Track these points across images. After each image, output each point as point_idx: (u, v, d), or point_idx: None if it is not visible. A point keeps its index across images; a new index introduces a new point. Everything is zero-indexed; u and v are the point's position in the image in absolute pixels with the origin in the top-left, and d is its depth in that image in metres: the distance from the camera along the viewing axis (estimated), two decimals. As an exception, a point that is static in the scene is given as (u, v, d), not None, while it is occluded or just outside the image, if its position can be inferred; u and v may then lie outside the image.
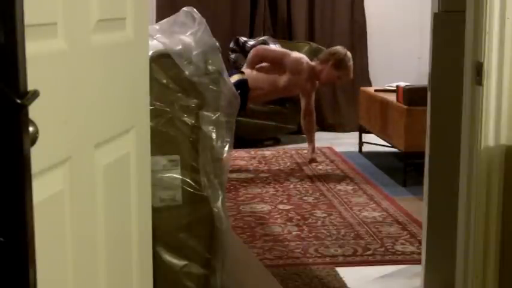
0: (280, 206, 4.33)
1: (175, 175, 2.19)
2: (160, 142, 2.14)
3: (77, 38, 1.33)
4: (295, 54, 5.29)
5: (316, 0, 6.94)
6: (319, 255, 3.47)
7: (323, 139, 6.34)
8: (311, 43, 6.48)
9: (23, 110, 0.90)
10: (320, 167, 5.36)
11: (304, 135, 5.64)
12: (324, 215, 4.14)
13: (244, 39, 6.35)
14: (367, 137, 5.80)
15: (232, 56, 6.33)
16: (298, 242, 3.65)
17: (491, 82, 2.02)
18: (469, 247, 2.14)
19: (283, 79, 5.20)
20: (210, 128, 2.23)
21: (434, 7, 2.79)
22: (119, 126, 1.59)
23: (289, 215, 4.14)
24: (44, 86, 0.99)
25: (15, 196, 0.90)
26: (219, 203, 2.25)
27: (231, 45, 6.36)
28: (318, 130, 6.51)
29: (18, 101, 0.88)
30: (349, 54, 5.21)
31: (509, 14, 1.98)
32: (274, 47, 6.05)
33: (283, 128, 6.25)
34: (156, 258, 2.05)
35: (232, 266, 2.49)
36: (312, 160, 5.40)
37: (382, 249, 3.57)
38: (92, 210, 1.43)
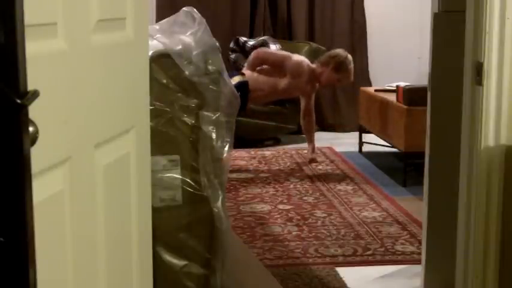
0: (280, 206, 4.33)
1: (175, 175, 2.19)
2: (160, 142, 2.14)
3: (77, 38, 1.33)
4: (295, 57, 5.29)
5: (316, 0, 6.94)
6: (319, 255, 3.47)
7: (323, 139, 6.34)
8: (311, 43, 6.48)
9: (23, 110, 0.90)
10: (320, 167, 5.36)
11: (304, 135, 5.64)
12: (324, 215, 4.14)
13: (244, 39, 6.35)
14: (367, 137, 5.80)
15: (232, 56, 6.33)
16: (298, 242, 3.65)
17: (491, 82, 2.02)
18: (469, 247, 2.14)
19: (283, 82, 5.21)
20: (210, 128, 2.23)
21: (434, 7, 2.79)
22: (119, 126, 1.59)
23: (289, 215, 4.14)
24: (44, 86, 0.99)
25: (15, 196, 0.90)
26: (219, 203, 2.25)
27: (231, 45, 6.36)
28: (318, 130, 6.52)
29: (18, 101, 0.88)
30: (349, 57, 5.22)
31: (509, 14, 1.98)
32: (275, 48, 6.05)
33: (283, 128, 6.25)
34: (156, 258, 2.05)
35: (232, 266, 2.49)
36: (312, 160, 5.40)
37: (382, 249, 3.57)
38: (92, 210, 1.43)
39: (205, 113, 2.22)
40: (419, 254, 3.22)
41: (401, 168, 4.90)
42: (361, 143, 5.90)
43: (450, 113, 2.56)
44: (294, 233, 3.81)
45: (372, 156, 5.72)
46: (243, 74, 5.20)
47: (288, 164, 5.47)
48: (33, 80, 0.96)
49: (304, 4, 6.90)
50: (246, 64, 5.44)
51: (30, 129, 0.94)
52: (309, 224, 3.96)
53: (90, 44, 1.39)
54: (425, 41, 3.32)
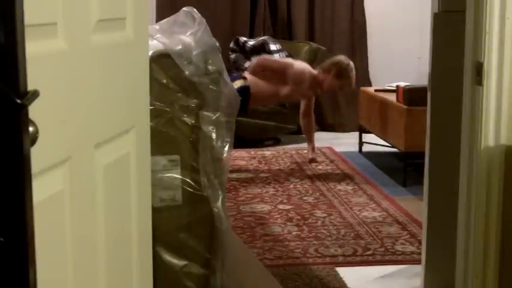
0: (280, 206, 4.33)
1: (175, 175, 2.19)
2: (160, 142, 2.14)
3: (77, 38, 1.33)
4: (297, 65, 5.30)
5: (316, 0, 6.94)
6: (319, 255, 3.47)
7: (323, 139, 6.34)
8: (311, 43, 6.48)
9: (23, 110, 0.90)
10: (320, 167, 5.36)
11: (304, 135, 5.64)
12: (324, 215, 4.14)
13: (244, 39, 6.35)
14: (367, 137, 5.80)
15: (232, 56, 6.33)
16: (298, 242, 3.65)
17: (491, 82, 2.02)
18: (469, 247, 2.14)
19: (285, 89, 5.24)
20: (210, 128, 2.23)
21: (434, 7, 2.79)
22: (119, 126, 1.59)
23: (289, 215, 4.14)
24: (44, 86, 0.99)
25: (15, 196, 0.90)
26: (219, 203, 2.25)
27: (231, 45, 6.36)
28: (318, 130, 6.52)
29: (18, 101, 0.88)
30: (351, 63, 5.23)
31: (509, 14, 1.98)
32: (275, 48, 6.07)
33: (283, 128, 6.25)
34: (156, 258, 2.05)
35: (232, 266, 2.49)
36: (312, 160, 5.40)
37: (382, 249, 3.57)
38: (92, 210, 1.43)
39: (205, 113, 2.22)
40: (419, 254, 3.22)
41: (401, 168, 4.90)
42: (361, 143, 5.90)
43: (450, 113, 2.56)
44: (294, 233, 3.81)
45: (372, 156, 5.72)
46: (244, 78, 5.21)
47: (288, 164, 5.47)
48: (33, 80, 0.96)
49: (304, 4, 6.90)
50: (248, 68, 5.44)
51: (30, 129, 0.94)
52: (309, 224, 3.96)
53: (90, 44, 1.39)
54: (425, 41, 3.32)
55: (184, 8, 2.34)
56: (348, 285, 3.12)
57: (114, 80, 1.54)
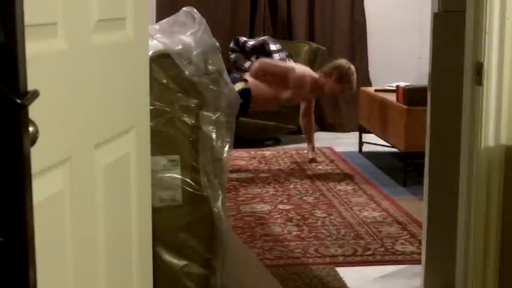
0: (280, 206, 4.33)
1: (175, 175, 2.19)
2: (160, 142, 2.14)
3: (77, 38, 1.33)
4: (298, 69, 5.31)
5: (316, 0, 6.94)
6: (319, 255, 3.47)
7: (323, 139, 6.34)
8: (311, 43, 6.48)
9: (23, 110, 0.90)
10: (320, 167, 5.36)
11: (304, 135, 5.64)
12: (324, 215, 4.14)
13: (244, 39, 6.35)
14: (367, 137, 5.80)
15: (232, 56, 6.33)
16: (298, 242, 3.65)
17: (491, 82, 2.02)
18: (469, 247, 2.14)
19: (286, 93, 5.25)
20: (210, 128, 2.23)
21: (434, 7, 2.79)
22: (119, 126, 1.59)
23: (289, 215, 4.14)
24: (44, 86, 0.99)
25: (15, 196, 0.90)
26: (219, 203, 2.25)
27: (231, 45, 6.36)
28: (318, 130, 6.52)
29: (18, 101, 0.88)
30: (352, 67, 5.24)
31: (509, 14, 1.98)
32: (275, 48, 6.07)
33: (283, 128, 6.25)
34: (156, 258, 2.05)
35: (232, 266, 2.49)
36: (312, 160, 5.40)
37: (382, 249, 3.57)
38: (92, 210, 1.43)
39: (205, 113, 2.22)
40: (419, 254, 3.22)
41: (401, 168, 4.90)
42: (361, 143, 5.90)
43: (450, 113, 2.56)
44: (294, 233, 3.81)
45: (372, 156, 5.72)
46: (246, 81, 5.22)
47: (288, 164, 5.47)
48: (33, 80, 0.96)
49: (304, 4, 6.90)
50: (249, 71, 5.44)
51: (30, 129, 0.94)
52: (309, 224, 3.96)
53: (90, 44, 1.39)
54: (425, 41, 3.32)
55: (184, 8, 2.34)
56: (348, 285, 3.12)
57: (114, 80, 1.54)
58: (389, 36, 7.03)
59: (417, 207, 3.83)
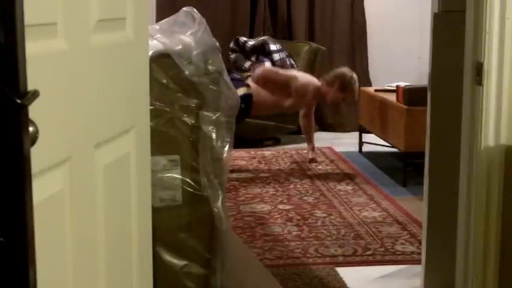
0: (280, 206, 4.33)
1: (175, 175, 2.19)
2: (160, 142, 2.14)
3: (77, 38, 1.33)
4: (301, 79, 5.30)
5: (316, 0, 6.94)
6: (319, 255, 3.47)
7: (323, 139, 6.34)
8: (311, 43, 6.48)
9: (23, 110, 0.90)
10: (320, 167, 5.36)
11: (304, 135, 5.64)
12: (324, 215, 4.14)
13: (244, 39, 6.35)
14: (367, 137, 5.80)
15: (232, 56, 6.33)
16: (298, 242, 3.65)
17: (491, 82, 2.02)
18: (469, 247, 2.14)
19: (288, 101, 5.26)
20: (210, 128, 2.23)
21: (434, 7, 2.79)
22: (119, 126, 1.59)
23: (289, 215, 4.14)
24: (44, 86, 0.99)
25: (15, 196, 0.90)
26: (219, 203, 2.25)
27: (231, 45, 6.36)
28: (318, 130, 6.52)
29: (18, 101, 0.88)
30: (355, 76, 5.25)
31: (509, 14, 1.98)
32: (275, 48, 6.08)
33: (283, 128, 6.25)
34: (156, 258, 2.05)
35: (232, 266, 2.49)
36: (312, 160, 5.41)
37: (382, 249, 3.57)
38: (92, 210, 1.43)
39: (205, 113, 2.22)
40: (419, 254, 3.22)
41: (401, 168, 4.90)
42: (361, 143, 5.90)
43: (450, 113, 2.56)
44: (294, 233, 3.81)
45: (372, 156, 5.72)
46: (248, 86, 5.23)
47: (288, 164, 5.47)
48: (33, 80, 0.96)
49: (304, 4, 6.90)
50: (251, 77, 5.42)
51: (30, 129, 0.94)
52: (309, 224, 3.96)
53: (90, 44, 1.39)
54: (425, 41, 3.32)
55: (184, 8, 2.34)
56: (348, 285, 3.12)
57: (114, 80, 1.54)
58: (389, 36, 7.03)
59: (417, 207, 3.83)
